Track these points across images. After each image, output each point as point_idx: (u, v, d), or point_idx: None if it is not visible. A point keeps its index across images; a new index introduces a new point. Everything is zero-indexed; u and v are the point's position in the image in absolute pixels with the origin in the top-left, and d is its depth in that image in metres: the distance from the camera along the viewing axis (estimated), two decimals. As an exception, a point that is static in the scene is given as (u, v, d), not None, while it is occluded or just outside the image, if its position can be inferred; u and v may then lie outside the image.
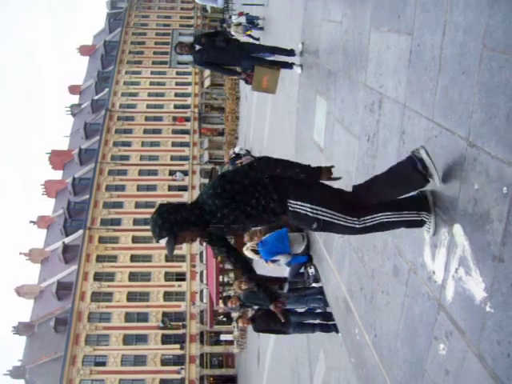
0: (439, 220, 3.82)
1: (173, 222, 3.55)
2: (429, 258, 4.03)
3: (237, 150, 19.86)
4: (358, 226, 3.78)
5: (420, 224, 3.93)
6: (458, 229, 3.55)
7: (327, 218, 3.73)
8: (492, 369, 3.11)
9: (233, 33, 18.01)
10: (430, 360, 4.00)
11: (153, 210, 3.79)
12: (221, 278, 30.83)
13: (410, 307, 4.41)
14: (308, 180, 3.79)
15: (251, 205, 3.69)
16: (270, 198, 3.71)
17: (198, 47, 9.30)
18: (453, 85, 3.60)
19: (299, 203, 3.73)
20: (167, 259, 45.98)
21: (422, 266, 4.16)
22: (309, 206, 3.71)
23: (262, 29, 19.48)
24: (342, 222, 3.76)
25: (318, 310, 8.20)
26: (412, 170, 3.60)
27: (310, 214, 3.72)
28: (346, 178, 6.31)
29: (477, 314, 3.28)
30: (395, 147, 4.72)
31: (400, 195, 3.90)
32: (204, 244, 38.46)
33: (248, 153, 16.67)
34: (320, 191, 3.84)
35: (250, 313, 8.55)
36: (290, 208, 3.74)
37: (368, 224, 3.80)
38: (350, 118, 6.24)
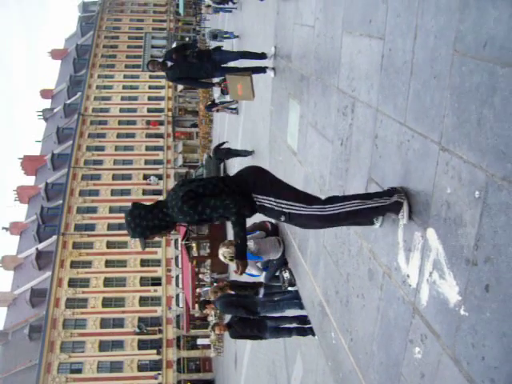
0: (415, 218, 3.83)
1: (144, 227, 3.82)
2: (403, 261, 4.04)
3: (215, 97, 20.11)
4: (323, 212, 3.87)
5: (395, 208, 3.89)
6: (431, 232, 3.57)
7: (291, 211, 3.87)
8: (467, 371, 3.13)
9: (203, 12, 18.22)
10: (405, 363, 4.02)
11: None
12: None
13: (385, 311, 4.42)
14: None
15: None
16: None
17: (169, 64, 9.21)
18: (425, 89, 3.62)
19: (265, 197, 3.89)
20: (142, 264, 45.71)
21: (396, 269, 4.18)
22: (273, 199, 3.88)
23: (231, 10, 19.67)
24: (305, 212, 3.87)
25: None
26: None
27: (276, 208, 3.88)
28: (320, 183, 6.32)
29: (451, 317, 3.30)
30: (368, 151, 4.73)
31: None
32: (179, 248, 38.21)
33: (229, 150, 16.43)
34: (279, 187, 4.03)
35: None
36: (257, 202, 3.90)
37: (335, 211, 3.86)
38: (323, 122, 6.25)
